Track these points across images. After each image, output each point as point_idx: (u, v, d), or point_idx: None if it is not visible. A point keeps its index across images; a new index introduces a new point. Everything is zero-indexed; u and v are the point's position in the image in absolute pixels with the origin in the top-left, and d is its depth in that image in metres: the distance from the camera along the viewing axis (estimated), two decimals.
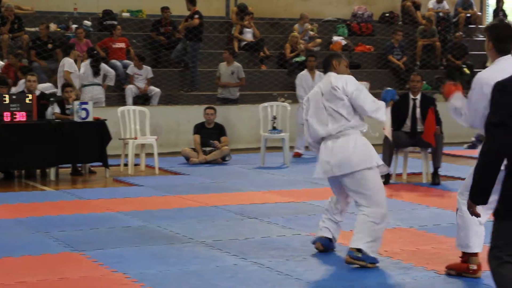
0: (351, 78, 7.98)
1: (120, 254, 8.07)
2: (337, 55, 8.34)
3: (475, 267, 7.22)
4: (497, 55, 6.53)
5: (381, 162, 7.90)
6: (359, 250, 7.50)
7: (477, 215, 4.94)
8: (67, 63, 16.77)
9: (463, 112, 6.87)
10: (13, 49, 18.15)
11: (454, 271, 7.31)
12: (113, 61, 19.14)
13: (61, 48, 18.21)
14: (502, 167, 4.73)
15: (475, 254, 7.17)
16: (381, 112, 7.89)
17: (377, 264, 7.53)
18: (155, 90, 18.74)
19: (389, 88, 8.55)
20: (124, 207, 10.86)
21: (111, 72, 18.05)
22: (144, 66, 18.72)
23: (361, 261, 7.50)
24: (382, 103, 7.95)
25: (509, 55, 6.59)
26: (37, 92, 14.17)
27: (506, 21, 6.85)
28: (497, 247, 4.76)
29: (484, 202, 4.80)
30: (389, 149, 12.80)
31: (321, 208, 10.51)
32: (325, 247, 8.12)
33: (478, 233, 7.08)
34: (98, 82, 17.55)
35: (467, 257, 7.23)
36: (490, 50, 6.56)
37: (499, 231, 4.76)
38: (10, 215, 10.14)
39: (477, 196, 4.81)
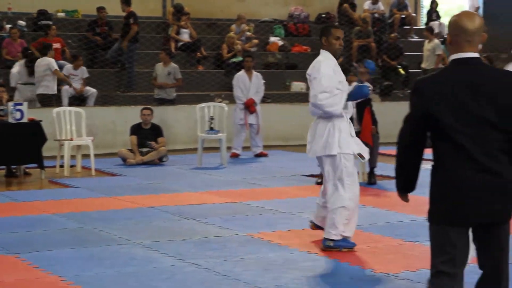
0: (319, 63, 8.29)
1: (55, 256, 8.00)
2: (326, 27, 8.67)
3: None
4: None
5: (357, 151, 8.16)
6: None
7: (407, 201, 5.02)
8: (52, 62, 16.77)
9: None
10: None
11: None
12: None
13: (37, 48, 18.07)
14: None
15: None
16: (330, 106, 8.05)
17: (314, 262, 7.56)
18: (91, 90, 18.61)
19: (362, 84, 8.71)
20: (60, 209, 10.76)
21: (53, 66, 17.86)
22: (81, 67, 18.58)
23: (335, 249, 8.06)
24: (338, 97, 8.07)
25: None
26: None
27: None
28: (432, 253, 4.79)
29: (407, 189, 4.91)
30: None
31: (258, 208, 10.58)
32: (316, 227, 8.59)
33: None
34: (33, 81, 17.40)
35: None
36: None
37: (431, 235, 4.80)
38: None
39: (399, 184, 4.95)
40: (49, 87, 17.09)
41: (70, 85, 18.02)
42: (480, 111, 4.57)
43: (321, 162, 8.27)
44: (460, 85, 4.61)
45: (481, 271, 4.82)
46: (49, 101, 17.02)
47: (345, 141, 8.09)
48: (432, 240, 4.78)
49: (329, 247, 8.06)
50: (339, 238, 8.08)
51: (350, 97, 8.32)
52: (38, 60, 17.01)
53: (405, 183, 4.90)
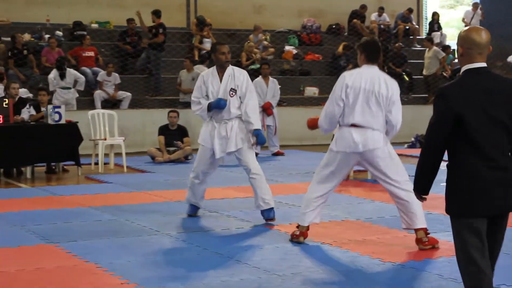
0: (200, 76, 9.65)
1: (91, 245, 8.01)
2: (213, 45, 9.81)
3: (298, 232, 8.09)
4: (367, 63, 7.81)
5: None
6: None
7: (422, 200, 5.03)
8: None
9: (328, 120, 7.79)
10: None
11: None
12: (83, 68, 19.05)
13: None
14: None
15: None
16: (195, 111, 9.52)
17: (327, 252, 7.55)
18: (126, 94, 18.68)
19: (220, 98, 9.13)
20: (95, 202, 10.79)
21: (81, 77, 17.99)
22: (112, 73, 18.64)
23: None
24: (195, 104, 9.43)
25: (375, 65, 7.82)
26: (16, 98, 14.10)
27: (375, 39, 8.24)
28: (461, 244, 4.81)
29: (426, 192, 4.91)
30: None
31: (275, 202, 10.53)
32: None
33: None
34: (67, 85, 17.50)
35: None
36: (361, 60, 7.85)
37: (457, 228, 4.83)
38: None
39: (420, 186, 4.93)
40: None
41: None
42: (495, 115, 4.69)
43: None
44: (477, 91, 4.72)
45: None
46: None
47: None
48: (458, 232, 4.80)
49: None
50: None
51: (211, 107, 9.17)
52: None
53: (428, 185, 4.90)
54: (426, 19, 26.86)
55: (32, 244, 8.12)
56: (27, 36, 19.76)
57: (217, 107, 9.14)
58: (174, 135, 15.82)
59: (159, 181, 12.95)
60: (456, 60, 25.01)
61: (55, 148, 13.59)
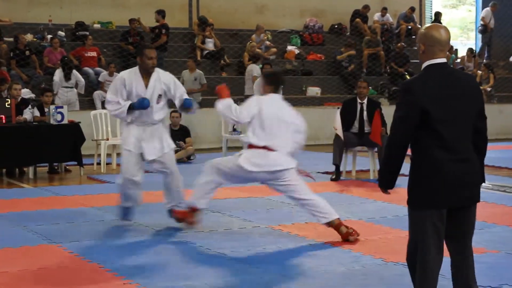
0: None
1: (94, 245, 8.04)
2: (141, 48, 9.39)
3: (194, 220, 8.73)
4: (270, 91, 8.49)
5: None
6: None
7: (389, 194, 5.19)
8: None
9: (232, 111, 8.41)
10: None
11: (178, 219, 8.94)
12: (86, 68, 19.09)
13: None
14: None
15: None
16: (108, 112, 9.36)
17: (329, 252, 7.56)
18: None
19: (144, 98, 8.79)
20: (97, 202, 10.81)
21: (81, 80, 18.00)
22: (114, 73, 18.65)
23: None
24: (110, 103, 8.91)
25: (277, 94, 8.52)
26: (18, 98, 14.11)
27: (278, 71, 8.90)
28: (414, 236, 5.04)
29: (392, 186, 5.05)
30: (339, 148, 12.87)
31: (277, 202, 10.57)
32: None
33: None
34: (70, 86, 17.53)
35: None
36: (263, 88, 8.57)
37: (413, 220, 5.04)
38: None
39: (386, 182, 5.07)
40: None
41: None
42: (459, 107, 4.84)
43: None
44: (441, 85, 4.85)
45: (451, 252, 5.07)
46: None
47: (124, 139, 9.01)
48: (413, 224, 5.00)
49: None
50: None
51: (134, 107, 8.77)
52: None
53: (393, 180, 5.03)
54: (432, 18, 26.85)
55: (35, 244, 8.13)
56: (29, 37, 19.79)
57: (141, 107, 8.75)
58: (176, 135, 15.81)
59: (161, 182, 12.88)
60: (459, 60, 25.08)
61: (58, 148, 13.60)
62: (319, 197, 8.54)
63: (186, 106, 9.02)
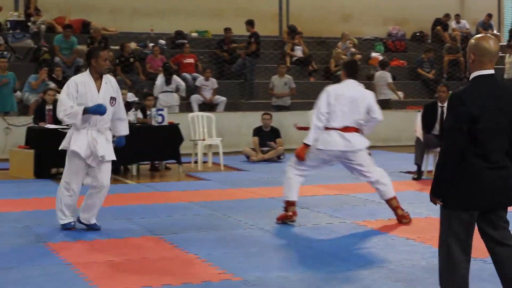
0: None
1: (191, 238, 8.10)
2: (94, 50, 8.78)
3: (290, 213, 8.73)
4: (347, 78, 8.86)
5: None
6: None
7: (436, 204, 5.04)
8: None
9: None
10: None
11: (280, 221, 8.78)
12: (184, 74, 19.28)
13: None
14: None
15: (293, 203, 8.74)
16: (63, 119, 8.32)
17: (411, 247, 7.47)
18: (221, 98, 18.84)
19: (101, 104, 8.23)
20: (194, 198, 10.89)
21: (182, 84, 18.20)
22: (210, 78, 18.83)
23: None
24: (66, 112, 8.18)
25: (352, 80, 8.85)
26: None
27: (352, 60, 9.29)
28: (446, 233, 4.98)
29: (443, 196, 4.90)
30: (421, 149, 12.73)
31: (362, 200, 10.49)
32: None
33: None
34: (170, 90, 17.74)
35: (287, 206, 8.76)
36: (342, 75, 8.98)
37: (445, 219, 4.99)
38: None
39: (440, 190, 4.90)
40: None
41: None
42: (501, 120, 4.78)
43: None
44: (489, 96, 4.76)
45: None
46: None
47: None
48: (443, 223, 4.96)
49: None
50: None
51: (88, 111, 8.16)
52: None
53: (446, 191, 4.87)
54: (507, 25, 26.27)
55: (138, 236, 8.25)
56: (133, 45, 20.09)
57: (97, 112, 8.20)
58: (267, 136, 15.87)
59: (253, 179, 13.00)
60: None
61: (159, 148, 13.78)
62: (386, 175, 8.93)
63: (117, 144, 8.79)
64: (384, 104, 19.34)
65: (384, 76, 19.98)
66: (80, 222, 8.55)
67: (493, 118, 4.74)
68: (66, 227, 8.43)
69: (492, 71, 4.83)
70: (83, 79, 8.34)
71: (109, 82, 8.42)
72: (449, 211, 4.92)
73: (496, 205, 4.90)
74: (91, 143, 8.29)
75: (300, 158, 8.68)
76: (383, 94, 19.82)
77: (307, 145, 8.68)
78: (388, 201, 8.91)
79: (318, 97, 8.89)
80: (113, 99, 8.37)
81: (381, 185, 8.85)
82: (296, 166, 8.83)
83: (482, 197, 4.82)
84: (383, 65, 20.39)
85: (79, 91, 8.23)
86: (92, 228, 8.49)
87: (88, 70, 8.40)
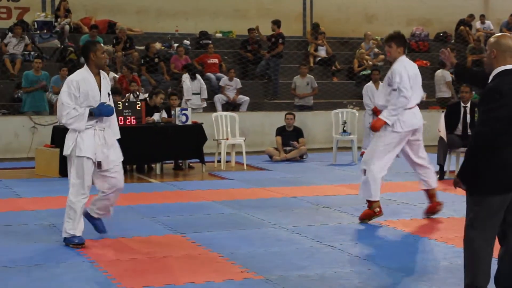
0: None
1: (214, 236, 8.12)
2: (91, 43, 8.03)
3: (378, 209, 8.81)
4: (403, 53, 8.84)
5: (84, 154, 7.63)
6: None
7: (456, 187, 5.17)
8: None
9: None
10: (126, 64, 18.38)
11: (366, 220, 8.82)
12: (208, 74, 19.31)
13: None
14: None
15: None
16: (67, 123, 7.63)
17: (433, 247, 7.43)
18: (244, 98, 18.84)
19: (108, 104, 7.76)
20: (217, 197, 10.90)
21: (204, 86, 18.14)
22: (234, 78, 18.84)
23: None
24: (70, 115, 7.56)
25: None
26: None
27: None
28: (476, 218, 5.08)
29: (471, 183, 5.05)
30: (443, 149, 12.68)
31: (384, 199, 10.45)
32: None
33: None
34: (196, 91, 17.75)
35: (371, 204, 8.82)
36: (397, 51, 8.84)
37: (476, 204, 5.10)
38: (123, 203, 10.18)
39: (469, 176, 5.04)
40: None
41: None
42: None
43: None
44: None
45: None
46: None
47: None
48: (475, 207, 5.04)
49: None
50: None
51: (94, 114, 7.62)
52: None
53: (475, 177, 5.02)
54: None
55: (161, 234, 8.28)
56: (158, 45, 20.15)
57: (104, 114, 7.69)
58: (290, 135, 15.86)
59: (276, 178, 13.00)
60: None
61: (182, 147, 13.81)
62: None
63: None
64: (443, 102, 19.38)
65: (443, 75, 20.07)
66: (87, 215, 8.02)
67: None
68: (71, 242, 7.63)
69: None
70: (83, 75, 7.68)
71: (105, 77, 7.88)
72: (477, 197, 5.03)
73: None
74: (102, 146, 7.74)
75: (376, 129, 8.69)
76: (442, 92, 20.01)
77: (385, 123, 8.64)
78: (431, 190, 9.18)
79: (391, 78, 8.74)
80: (109, 94, 7.84)
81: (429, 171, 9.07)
82: (379, 164, 8.71)
83: (507, 178, 4.95)
84: (443, 64, 20.31)
85: (81, 90, 7.59)
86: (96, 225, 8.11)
87: (86, 66, 7.75)
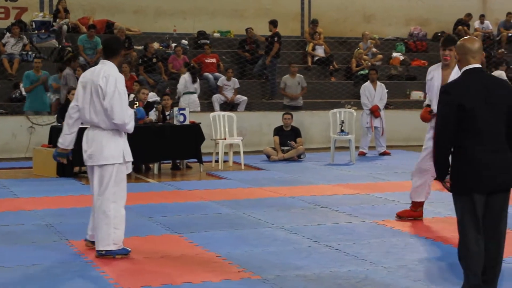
0: (114, 76, 7.02)
1: (212, 236, 8.12)
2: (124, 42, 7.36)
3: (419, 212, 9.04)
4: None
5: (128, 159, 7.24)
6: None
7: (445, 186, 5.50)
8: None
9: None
10: (124, 63, 18.36)
11: (404, 217, 8.99)
12: (206, 73, 19.30)
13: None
14: None
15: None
16: (130, 125, 7.14)
17: (430, 246, 7.43)
18: (242, 98, 18.82)
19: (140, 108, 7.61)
20: (215, 196, 10.90)
21: (198, 89, 18.08)
22: (232, 78, 18.83)
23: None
24: (132, 117, 7.17)
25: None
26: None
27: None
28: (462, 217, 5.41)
29: (445, 177, 5.43)
30: None
31: (382, 199, 10.45)
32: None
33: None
34: (194, 91, 17.74)
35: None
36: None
37: (459, 204, 5.44)
38: None
39: (437, 174, 5.47)
40: None
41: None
42: (493, 103, 5.25)
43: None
44: (476, 84, 5.31)
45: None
46: None
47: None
48: (458, 208, 5.40)
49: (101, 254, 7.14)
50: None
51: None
52: None
53: (446, 171, 5.39)
54: None
55: (159, 234, 8.28)
56: (156, 45, 20.15)
57: (141, 116, 7.75)
58: (288, 135, 15.86)
59: (274, 178, 13.00)
60: None
61: (180, 147, 13.80)
62: None
63: None
64: None
65: (500, 75, 19.97)
66: None
67: (482, 103, 5.23)
68: (123, 253, 7.20)
69: (476, 65, 5.40)
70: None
71: None
72: (456, 197, 5.39)
73: (497, 187, 5.28)
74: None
75: (426, 119, 8.97)
76: None
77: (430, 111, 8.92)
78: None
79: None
80: None
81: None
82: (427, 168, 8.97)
83: (479, 179, 5.25)
84: (497, 64, 20.29)
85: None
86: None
87: (110, 62, 7.18)
